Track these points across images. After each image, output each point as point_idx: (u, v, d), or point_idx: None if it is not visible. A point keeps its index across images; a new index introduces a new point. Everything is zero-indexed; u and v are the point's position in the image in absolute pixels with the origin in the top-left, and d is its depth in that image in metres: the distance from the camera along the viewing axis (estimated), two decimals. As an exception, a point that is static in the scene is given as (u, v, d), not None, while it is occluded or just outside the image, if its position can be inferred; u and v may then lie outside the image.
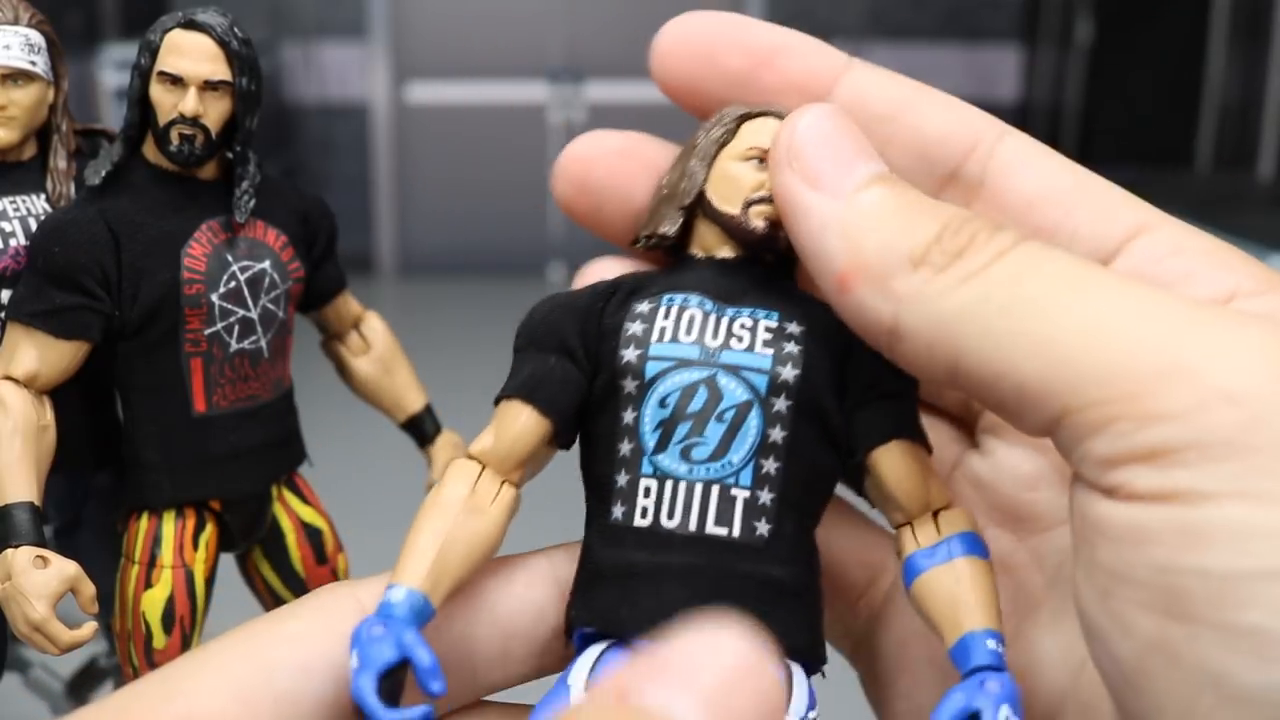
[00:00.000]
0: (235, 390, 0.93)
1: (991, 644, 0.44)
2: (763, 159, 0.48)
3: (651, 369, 0.46)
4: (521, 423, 0.47)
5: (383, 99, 4.81)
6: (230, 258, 0.92)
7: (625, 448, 0.46)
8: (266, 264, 0.93)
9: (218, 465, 0.93)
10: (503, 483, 0.47)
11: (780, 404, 0.46)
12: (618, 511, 0.46)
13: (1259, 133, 3.51)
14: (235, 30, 0.88)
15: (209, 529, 0.95)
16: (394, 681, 0.42)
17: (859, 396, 0.47)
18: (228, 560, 1.00)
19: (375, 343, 1.06)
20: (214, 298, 0.91)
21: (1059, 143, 4.38)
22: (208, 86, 0.88)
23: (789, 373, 0.46)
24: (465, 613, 0.46)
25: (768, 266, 0.49)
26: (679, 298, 0.48)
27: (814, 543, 0.48)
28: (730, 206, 0.48)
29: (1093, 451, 0.34)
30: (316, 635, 0.42)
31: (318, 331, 1.07)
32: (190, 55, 0.87)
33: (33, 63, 0.92)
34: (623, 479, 0.46)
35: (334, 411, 1.42)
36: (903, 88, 0.48)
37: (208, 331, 0.91)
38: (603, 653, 0.45)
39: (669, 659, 0.34)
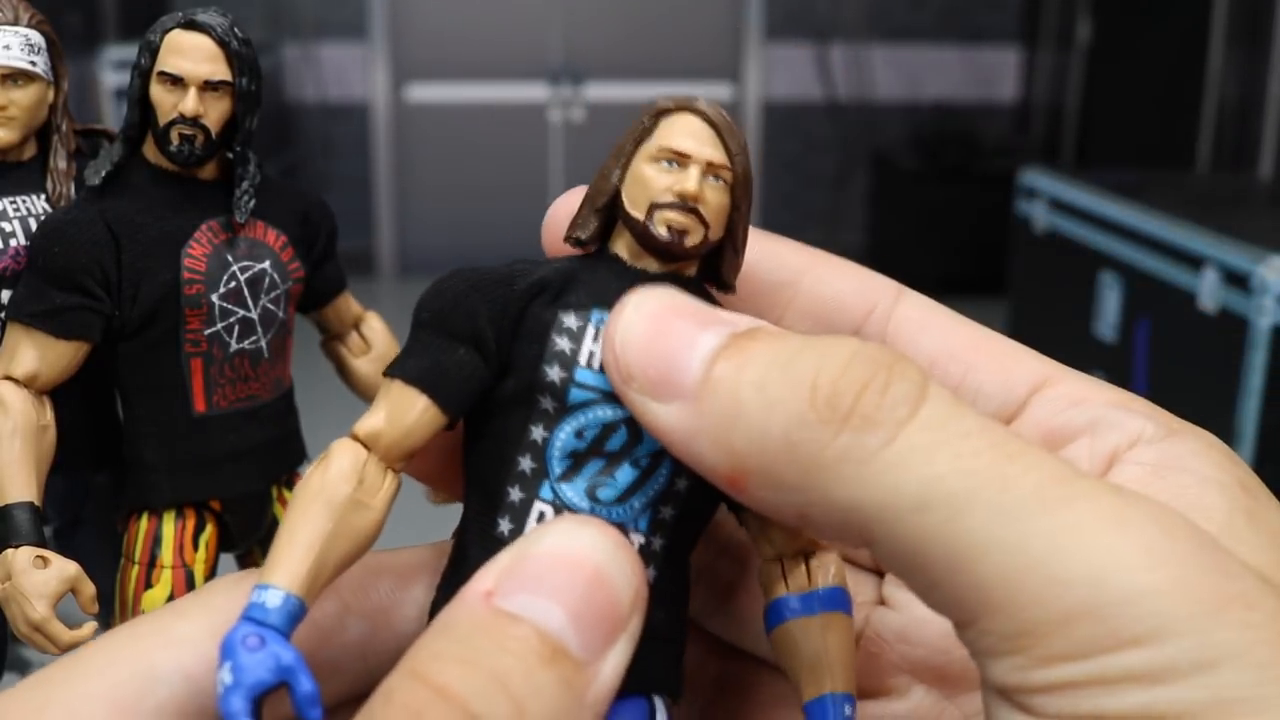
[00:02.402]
0: (235, 390, 0.93)
1: (847, 709, 0.45)
2: (674, 159, 0.46)
3: (575, 396, 0.44)
4: (418, 415, 0.45)
5: (383, 99, 4.81)
6: (230, 258, 0.92)
7: (526, 464, 0.45)
8: (266, 264, 0.93)
9: (218, 465, 0.93)
10: (388, 472, 0.45)
11: None
12: (504, 526, 0.44)
13: (1259, 133, 3.51)
14: (235, 30, 0.88)
15: (209, 529, 0.95)
16: (261, 703, 0.40)
17: None
18: (228, 560, 1.00)
19: (375, 343, 1.06)
20: (214, 298, 0.91)
21: (1059, 143, 4.38)
22: (208, 86, 0.88)
23: None
24: (362, 623, 0.45)
25: (694, 279, 0.48)
26: (607, 318, 0.45)
27: (688, 576, 0.48)
28: (638, 211, 0.47)
29: (998, 670, 0.33)
30: (203, 639, 0.40)
31: (318, 331, 1.07)
32: (190, 55, 0.87)
33: (33, 63, 0.92)
34: (516, 495, 0.45)
35: (334, 411, 1.42)
36: (800, 254, 0.48)
37: (208, 332, 0.91)
38: None
39: (532, 563, 0.34)
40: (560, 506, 0.44)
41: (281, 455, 0.98)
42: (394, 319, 1.11)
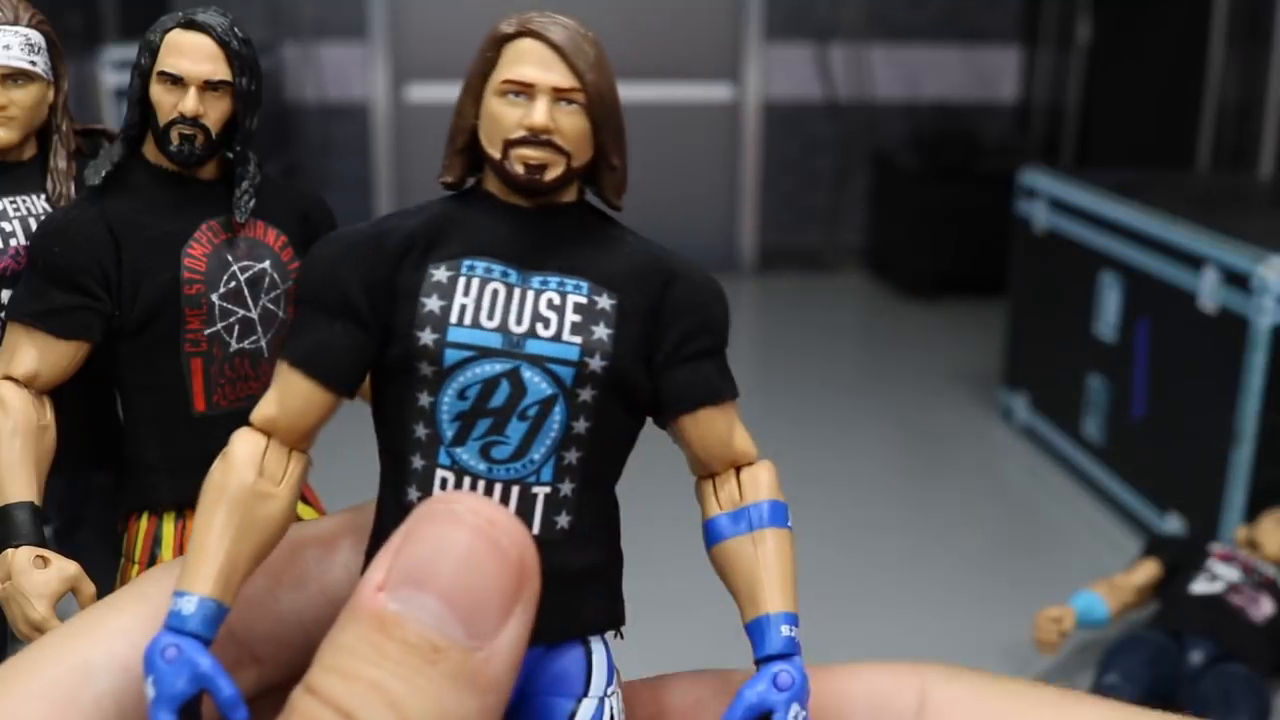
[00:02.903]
0: (235, 390, 0.93)
1: (786, 629, 0.45)
2: (520, 90, 0.45)
3: (450, 356, 0.43)
4: (306, 396, 0.44)
5: (382, 99, 4.81)
6: (230, 258, 0.92)
7: (421, 430, 0.44)
8: (266, 264, 0.93)
9: (218, 465, 0.93)
10: (291, 453, 0.44)
11: (586, 394, 0.44)
12: (413, 494, 0.44)
13: (1259, 133, 3.51)
14: (235, 30, 0.88)
15: (209, 529, 0.95)
16: (194, 707, 0.40)
17: (666, 358, 0.46)
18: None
19: (375, 343, 1.06)
20: (214, 298, 0.90)
21: (1059, 143, 4.37)
22: (208, 86, 0.88)
23: (596, 363, 0.44)
24: (294, 593, 0.45)
25: (575, 205, 0.46)
26: (480, 266, 0.44)
27: (612, 503, 0.46)
28: (494, 149, 0.45)
29: None
30: (137, 630, 0.41)
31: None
32: (190, 55, 0.87)
33: (33, 63, 0.92)
34: (419, 462, 0.44)
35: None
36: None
37: (208, 331, 0.91)
38: None
39: (409, 553, 0.35)
40: (460, 471, 0.43)
41: (281, 455, 0.98)
42: (394, 319, 1.11)
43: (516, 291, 0.44)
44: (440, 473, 0.44)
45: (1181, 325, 2.51)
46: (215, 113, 0.88)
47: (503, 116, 0.45)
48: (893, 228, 4.76)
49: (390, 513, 0.44)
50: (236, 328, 0.92)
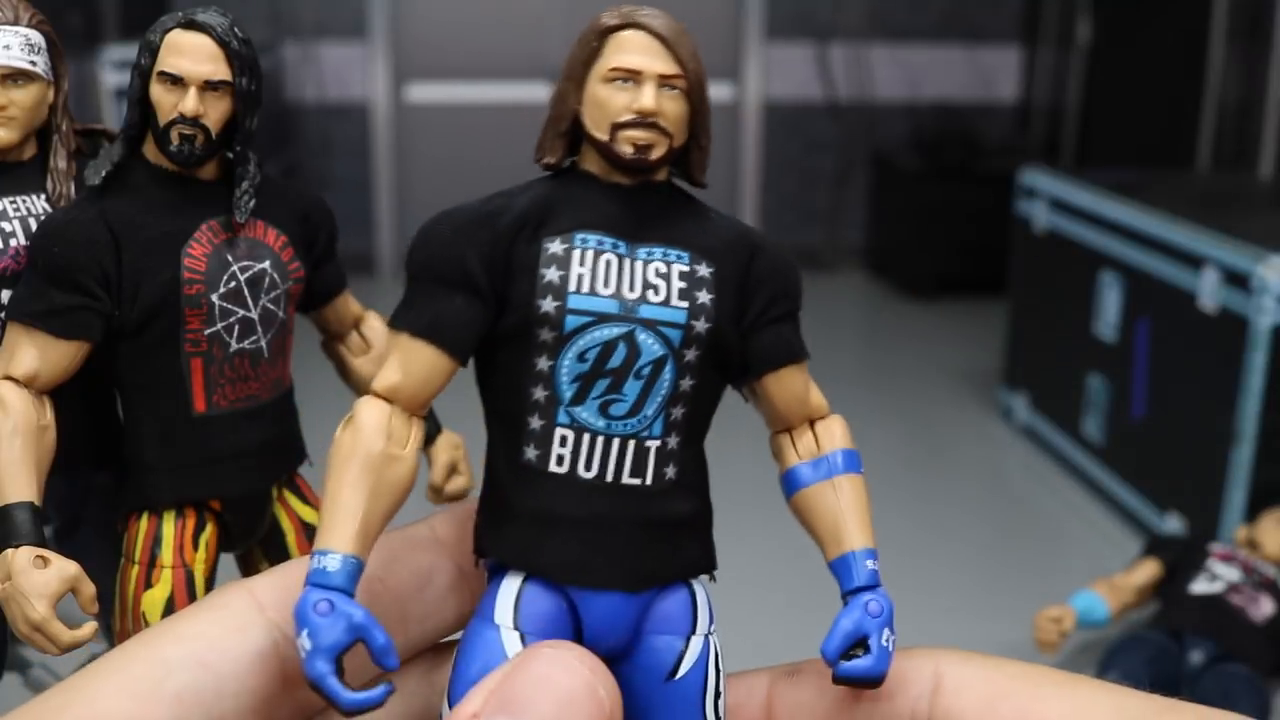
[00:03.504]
0: (235, 390, 0.93)
1: (870, 564, 0.49)
2: (628, 77, 0.48)
3: (571, 322, 0.47)
4: (429, 364, 0.48)
5: (382, 99, 4.81)
6: (230, 258, 0.91)
7: (539, 393, 0.47)
8: (266, 264, 0.93)
9: (218, 465, 0.93)
10: (412, 419, 0.48)
11: (691, 355, 0.48)
12: (530, 453, 0.47)
13: (1259, 133, 3.51)
14: (235, 30, 0.88)
15: (209, 529, 0.95)
16: (341, 659, 0.43)
17: (755, 320, 0.50)
18: (228, 560, 1.00)
19: (376, 343, 1.06)
20: (214, 298, 0.90)
21: (1059, 143, 4.36)
22: (208, 86, 0.88)
23: (701, 326, 0.48)
24: (358, 593, 0.47)
25: (665, 183, 0.51)
26: (592, 239, 0.48)
27: (705, 458, 0.51)
28: (600, 132, 0.49)
29: None
30: (211, 632, 0.43)
31: (318, 332, 1.07)
32: (190, 55, 0.87)
33: (33, 63, 0.92)
34: (536, 423, 0.47)
35: (334, 411, 1.42)
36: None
37: (208, 331, 0.91)
38: (522, 587, 0.47)
39: (512, 687, 0.37)
40: (580, 428, 0.47)
41: (282, 455, 0.98)
42: (394, 319, 1.11)
43: (626, 262, 0.48)
44: (560, 430, 0.47)
45: (1181, 325, 2.51)
46: (215, 113, 0.88)
47: (610, 101, 0.48)
48: (893, 228, 4.76)
49: (506, 471, 0.48)
50: (236, 328, 0.92)
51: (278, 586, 0.45)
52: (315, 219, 0.98)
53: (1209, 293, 2.41)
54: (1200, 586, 2.05)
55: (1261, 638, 1.98)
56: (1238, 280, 2.31)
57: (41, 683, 1.37)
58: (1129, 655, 1.93)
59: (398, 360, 0.48)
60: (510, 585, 0.47)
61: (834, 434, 0.52)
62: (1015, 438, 3.22)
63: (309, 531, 0.99)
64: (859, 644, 0.47)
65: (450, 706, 0.45)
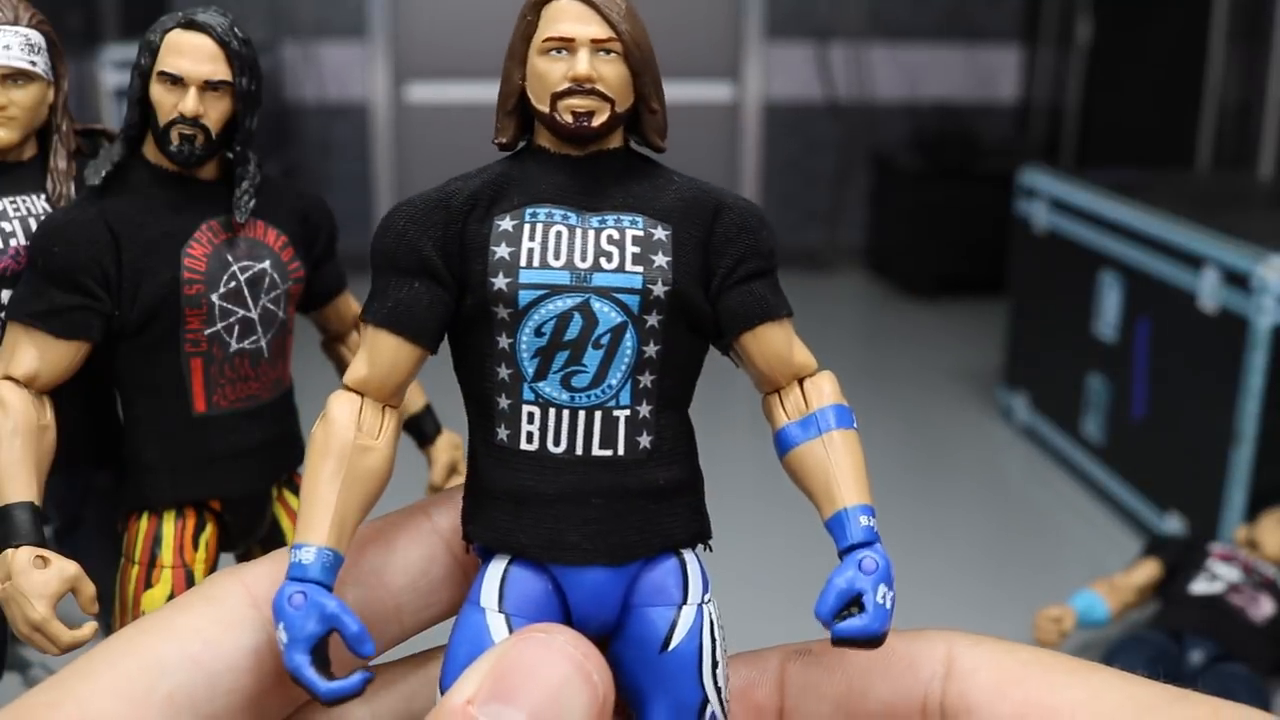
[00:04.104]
0: (235, 390, 0.93)
1: (864, 520, 0.48)
2: (561, 46, 0.48)
3: (524, 297, 0.47)
4: (393, 353, 0.48)
5: (382, 99, 4.81)
6: (230, 258, 0.91)
7: (504, 372, 0.47)
8: (266, 264, 0.93)
9: (218, 465, 0.93)
10: (384, 409, 0.48)
11: (653, 319, 0.47)
12: (502, 433, 0.47)
13: (1259, 133, 3.51)
14: (235, 30, 0.88)
15: (209, 529, 0.95)
16: (323, 648, 0.43)
17: (724, 281, 0.49)
18: (228, 560, 1.00)
19: (375, 343, 1.06)
20: (214, 298, 0.90)
21: (1059, 143, 4.36)
22: (208, 86, 0.88)
23: (660, 289, 0.47)
24: (359, 587, 0.47)
25: (621, 151, 0.50)
26: (541, 212, 0.48)
27: (688, 425, 0.50)
28: (542, 104, 0.49)
29: None
30: (205, 628, 0.43)
31: (318, 332, 1.07)
32: (190, 55, 0.87)
33: (33, 63, 0.92)
34: (504, 402, 0.47)
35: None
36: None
37: (208, 331, 0.91)
38: (507, 570, 0.47)
39: (505, 673, 0.37)
40: (545, 403, 0.47)
41: (281, 455, 0.98)
42: (394, 319, 1.11)
43: (578, 232, 0.48)
44: (526, 408, 0.47)
45: (1181, 325, 2.51)
46: (215, 113, 0.88)
47: (548, 72, 0.49)
48: (893, 228, 4.76)
49: (482, 456, 0.48)
50: (236, 328, 0.92)
51: (271, 578, 0.45)
52: (315, 219, 0.98)
53: (1209, 293, 2.41)
54: (1200, 586, 2.05)
55: (1261, 638, 1.98)
56: (1238, 280, 2.31)
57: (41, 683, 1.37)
58: (1129, 655, 1.93)
59: (365, 351, 0.48)
60: (496, 568, 0.47)
61: (823, 390, 0.51)
62: (1015, 438, 3.22)
63: (309, 531, 0.99)
64: (853, 602, 0.46)
65: (442, 691, 0.45)
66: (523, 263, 0.47)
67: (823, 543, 0.49)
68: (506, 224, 0.48)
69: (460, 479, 1.09)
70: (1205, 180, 3.48)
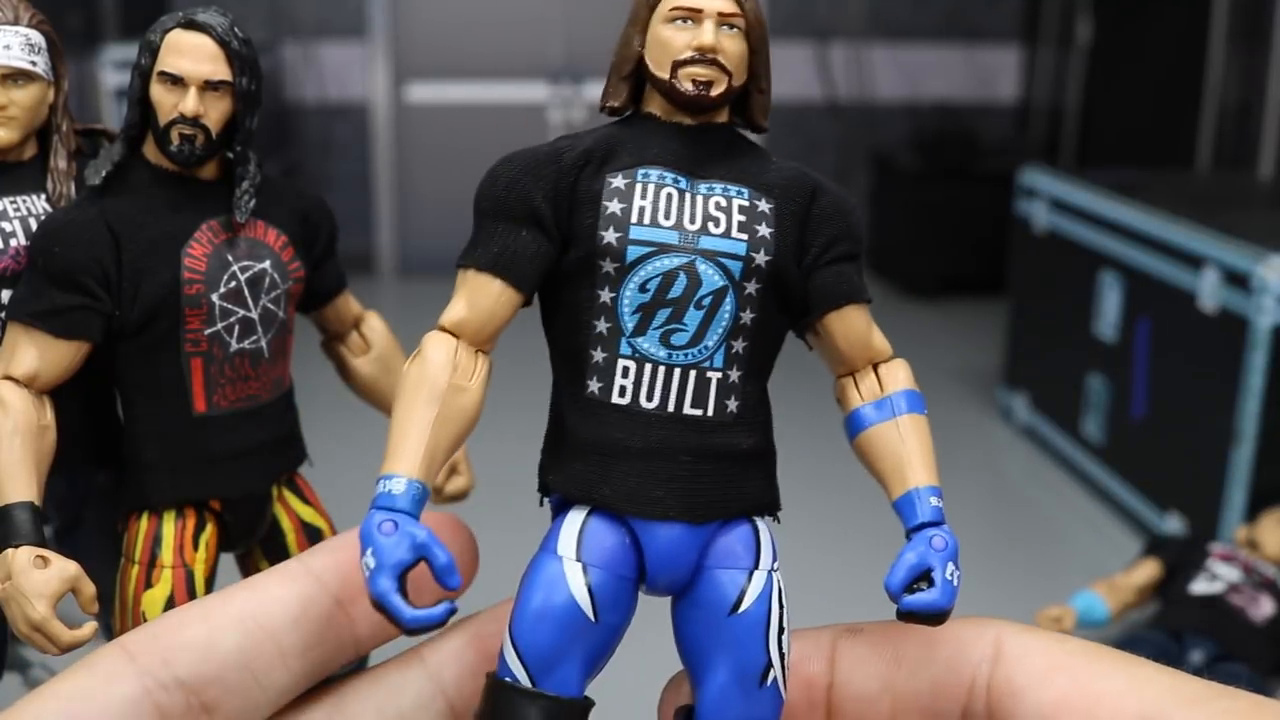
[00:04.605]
0: (235, 390, 0.93)
1: (934, 500, 0.50)
2: (688, 16, 0.50)
3: (632, 253, 0.48)
4: (495, 297, 0.49)
5: (382, 99, 4.81)
6: (230, 258, 0.91)
7: (602, 325, 0.48)
8: (266, 264, 0.93)
9: (218, 465, 0.93)
10: (478, 354, 0.49)
11: (752, 287, 0.49)
12: (594, 385, 0.48)
13: (1259, 133, 3.51)
14: (235, 30, 0.88)
15: (209, 529, 0.95)
16: (404, 579, 0.43)
17: (816, 259, 0.51)
18: (228, 560, 1.00)
19: (375, 342, 1.06)
20: (214, 298, 0.90)
21: (1059, 143, 4.36)
22: (208, 86, 0.88)
23: (762, 258, 0.49)
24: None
25: (726, 125, 0.52)
26: (653, 174, 0.49)
27: (767, 397, 0.51)
28: (662, 71, 0.50)
29: None
30: (82, 685, 0.43)
31: (318, 331, 1.07)
32: (191, 55, 0.87)
33: (33, 63, 0.92)
34: (599, 355, 0.48)
35: (334, 411, 1.42)
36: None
37: (208, 331, 0.91)
38: (586, 520, 0.47)
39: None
40: (642, 359, 0.48)
41: (282, 455, 0.98)
42: (394, 319, 1.11)
43: (687, 195, 0.49)
44: (622, 362, 0.48)
45: (1181, 325, 2.51)
46: (215, 113, 0.88)
47: (672, 40, 0.50)
48: (893, 228, 4.76)
49: (570, 407, 0.49)
50: (236, 328, 0.92)
51: (149, 635, 0.45)
52: (315, 219, 0.98)
53: (1209, 293, 2.41)
54: (1200, 586, 2.05)
55: (1261, 638, 1.98)
56: (1238, 280, 2.31)
57: (42, 683, 1.37)
58: (1129, 655, 1.93)
59: (464, 295, 0.49)
60: (575, 519, 0.47)
61: (897, 376, 0.53)
62: (1015, 438, 3.22)
63: (309, 531, 0.99)
64: (922, 578, 0.47)
65: (512, 638, 0.46)
66: (634, 219, 0.48)
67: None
68: (619, 181, 0.49)
69: (460, 480, 1.09)
70: (1205, 180, 3.48)
